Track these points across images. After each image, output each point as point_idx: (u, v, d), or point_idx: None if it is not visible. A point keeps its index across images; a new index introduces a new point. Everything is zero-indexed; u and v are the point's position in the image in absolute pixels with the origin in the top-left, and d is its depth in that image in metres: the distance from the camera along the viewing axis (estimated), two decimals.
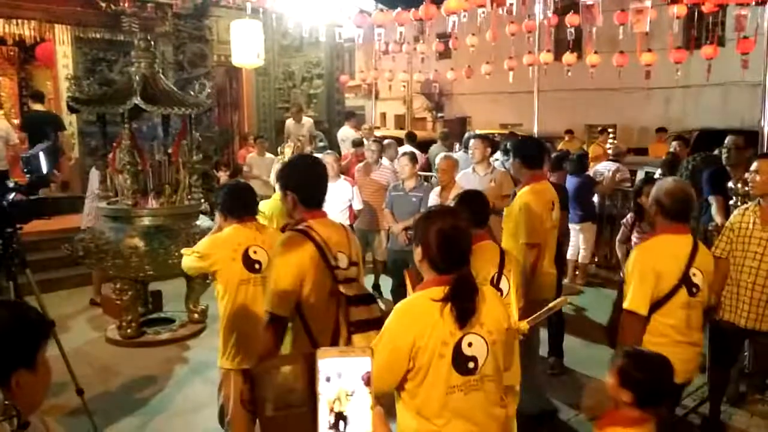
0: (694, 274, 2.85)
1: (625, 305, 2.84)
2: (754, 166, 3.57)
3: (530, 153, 3.86)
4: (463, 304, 1.98)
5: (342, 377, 0.87)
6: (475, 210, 2.96)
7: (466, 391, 2.00)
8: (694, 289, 2.86)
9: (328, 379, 0.87)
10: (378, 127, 14.32)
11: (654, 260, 2.85)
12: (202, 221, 5.70)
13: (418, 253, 2.11)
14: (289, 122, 9.80)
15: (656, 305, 2.84)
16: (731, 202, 4.35)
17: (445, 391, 1.97)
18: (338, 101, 11.60)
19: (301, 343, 2.50)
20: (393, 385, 2.04)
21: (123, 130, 5.43)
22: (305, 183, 2.58)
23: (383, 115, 23.89)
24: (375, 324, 2.40)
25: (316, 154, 6.99)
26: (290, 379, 2.10)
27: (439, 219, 2.10)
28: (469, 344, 2.00)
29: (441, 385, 1.97)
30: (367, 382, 0.88)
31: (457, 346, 1.98)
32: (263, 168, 8.17)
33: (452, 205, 3.12)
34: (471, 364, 2.00)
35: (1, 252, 3.45)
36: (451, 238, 2.05)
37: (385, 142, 7.63)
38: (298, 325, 2.52)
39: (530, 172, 3.79)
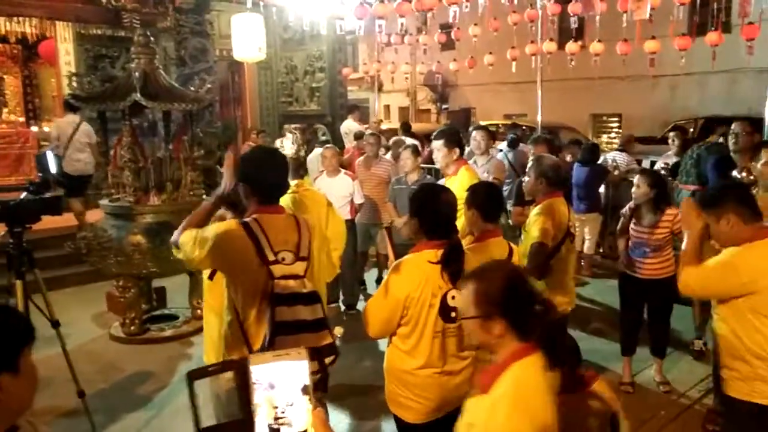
0: (570, 226, 3.64)
1: (536, 239, 3.40)
2: (763, 156, 3.53)
3: (459, 140, 4.21)
4: (456, 266, 2.44)
5: (279, 383, 0.83)
6: (485, 204, 2.92)
7: (447, 336, 2.49)
8: (572, 238, 3.72)
9: (265, 387, 0.82)
10: (381, 120, 14.25)
11: (554, 217, 3.48)
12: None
13: (414, 223, 2.56)
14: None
15: (550, 255, 3.49)
16: None
17: (432, 335, 2.46)
18: (341, 94, 11.54)
19: (236, 344, 2.47)
20: (390, 330, 2.51)
21: (124, 127, 5.43)
22: (258, 176, 2.52)
23: (387, 108, 23.79)
24: (313, 326, 2.38)
25: (317, 149, 6.98)
26: (227, 388, 2.00)
27: (430, 194, 2.61)
28: (452, 297, 2.43)
29: (429, 329, 2.45)
30: (305, 390, 0.84)
31: (443, 298, 2.44)
32: None
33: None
34: (453, 314, 2.44)
35: (11, 251, 3.47)
36: (441, 210, 2.54)
37: (393, 139, 7.44)
38: (234, 326, 2.47)
39: (460, 159, 4.16)
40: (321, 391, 2.52)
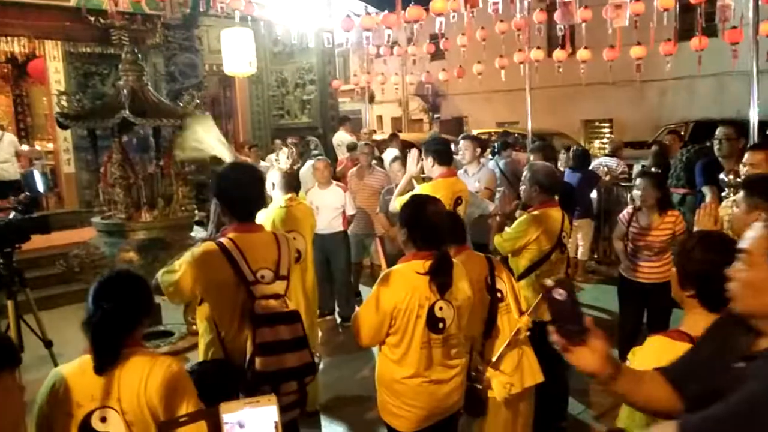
0: (563, 237, 3.63)
1: (498, 239, 3.63)
2: (746, 158, 3.55)
3: (441, 150, 4.05)
4: (444, 278, 2.45)
5: (249, 423, 0.84)
6: (451, 230, 2.89)
7: (435, 346, 2.50)
8: (563, 248, 3.66)
9: (235, 425, 0.84)
10: (374, 131, 14.29)
11: (543, 226, 3.53)
12: (197, 232, 5.68)
13: (403, 233, 2.56)
14: None
15: (538, 263, 3.56)
16: (723, 194, 4.32)
17: (420, 345, 2.47)
18: (332, 106, 11.58)
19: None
20: (380, 340, 2.53)
21: (113, 144, 5.43)
22: (233, 194, 2.57)
23: (380, 118, 23.88)
24: (293, 345, 2.42)
25: (309, 161, 6.99)
26: None
27: (421, 205, 2.58)
28: (440, 308, 2.47)
29: (417, 340, 2.46)
30: (276, 428, 0.86)
31: (431, 309, 2.45)
32: None
33: None
34: (440, 325, 2.48)
35: (1, 272, 3.46)
36: (431, 221, 2.52)
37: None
38: (215, 344, 2.52)
39: (440, 168, 4.00)
40: (299, 408, 2.52)
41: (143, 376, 1.84)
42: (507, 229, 3.77)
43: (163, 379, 1.84)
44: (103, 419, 1.80)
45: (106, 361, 1.81)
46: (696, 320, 1.78)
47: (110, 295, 1.88)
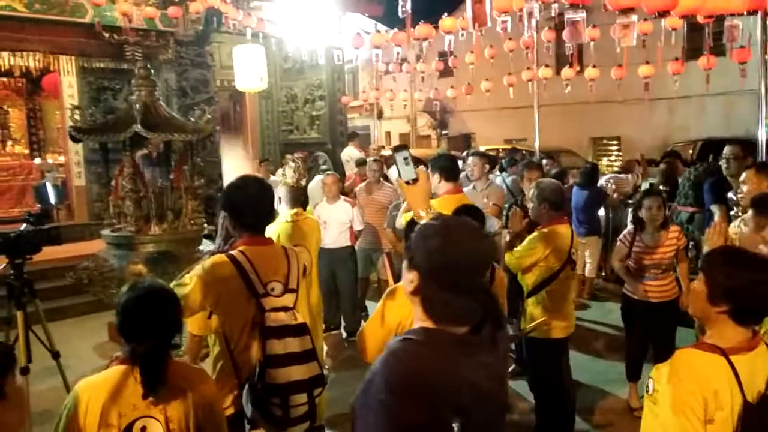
0: (573, 253, 3.68)
1: (509, 256, 3.69)
2: (743, 176, 3.59)
3: (448, 166, 3.98)
4: None
5: None
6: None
7: None
8: (573, 265, 3.72)
9: None
10: (383, 147, 14.35)
11: (552, 244, 3.59)
12: (206, 246, 5.71)
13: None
14: None
15: (548, 280, 3.62)
16: (732, 213, 4.32)
17: None
18: (341, 122, 11.66)
19: (226, 377, 2.55)
20: None
21: (125, 158, 5.49)
22: (243, 206, 2.56)
23: (388, 134, 23.98)
24: (302, 358, 2.43)
25: (318, 176, 7.04)
26: None
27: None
28: None
29: None
30: None
31: None
32: None
33: None
34: None
35: (12, 282, 3.50)
36: None
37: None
38: (224, 355, 2.53)
39: (447, 184, 3.94)
40: (310, 420, 2.52)
41: (192, 384, 1.95)
42: (517, 246, 3.78)
43: (211, 387, 2.05)
44: (143, 429, 1.87)
45: (157, 385, 1.87)
46: (724, 333, 1.76)
47: (154, 318, 1.93)
